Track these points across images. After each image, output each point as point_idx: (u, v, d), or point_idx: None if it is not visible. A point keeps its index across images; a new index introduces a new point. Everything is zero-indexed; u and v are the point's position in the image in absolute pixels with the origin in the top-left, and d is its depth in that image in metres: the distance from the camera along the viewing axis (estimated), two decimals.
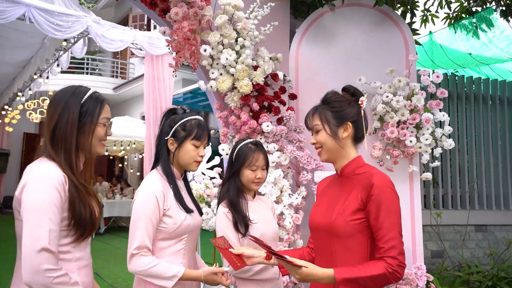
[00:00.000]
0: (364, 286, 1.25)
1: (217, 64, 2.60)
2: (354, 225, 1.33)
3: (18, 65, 6.97)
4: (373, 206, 1.30)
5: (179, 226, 1.51)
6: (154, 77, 5.76)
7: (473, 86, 4.46)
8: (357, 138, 1.48)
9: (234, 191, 1.74)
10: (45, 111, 7.55)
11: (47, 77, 6.59)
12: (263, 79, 2.70)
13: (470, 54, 3.99)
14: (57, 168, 1.27)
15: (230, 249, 1.52)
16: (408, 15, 3.45)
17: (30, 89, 7.00)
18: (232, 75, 2.60)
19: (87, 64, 11.71)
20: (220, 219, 1.71)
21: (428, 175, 2.84)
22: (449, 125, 2.84)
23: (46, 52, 5.64)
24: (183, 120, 1.60)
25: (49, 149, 1.31)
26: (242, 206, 1.71)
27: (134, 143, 8.59)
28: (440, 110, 2.85)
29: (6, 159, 10.35)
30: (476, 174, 4.39)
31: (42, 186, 1.21)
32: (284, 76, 2.95)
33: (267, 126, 2.66)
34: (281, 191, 2.69)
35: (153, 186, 1.50)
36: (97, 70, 12.18)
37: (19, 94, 7.52)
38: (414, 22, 3.39)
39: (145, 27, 11.56)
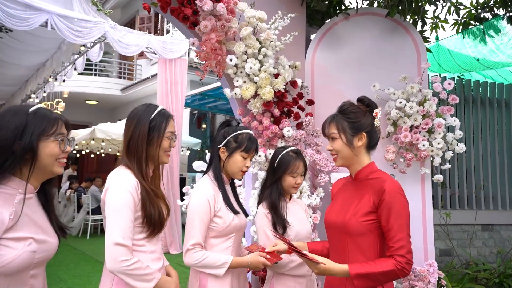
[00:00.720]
0: (375, 280, 1.38)
1: (241, 72, 2.75)
2: (365, 225, 1.45)
3: (32, 68, 7.13)
4: (385, 209, 1.42)
5: (228, 226, 1.68)
6: (167, 80, 5.92)
7: (480, 89, 4.60)
8: (371, 146, 1.58)
9: (276, 196, 1.90)
10: (59, 112, 7.71)
11: (64, 80, 6.76)
12: (284, 86, 2.85)
13: (478, 59, 4.14)
14: (131, 175, 1.47)
15: (264, 251, 1.68)
16: (419, 23, 3.59)
17: (44, 91, 7.17)
18: (255, 82, 2.75)
19: (95, 65, 11.87)
20: (260, 219, 1.88)
21: (440, 177, 2.99)
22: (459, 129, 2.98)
23: (63, 56, 5.81)
24: (236, 133, 1.78)
25: (125, 159, 1.51)
26: (282, 209, 1.87)
27: None
28: (451, 116, 2.99)
29: None
30: (482, 176, 4.53)
31: (119, 190, 1.41)
32: (302, 82, 3.10)
33: (288, 131, 2.81)
34: (301, 192, 2.85)
35: (205, 191, 1.68)
36: (103, 72, 12.34)
37: (32, 95, 7.69)
38: (425, 30, 3.52)
39: (156, 30, 11.71)
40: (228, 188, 1.80)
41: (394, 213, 1.40)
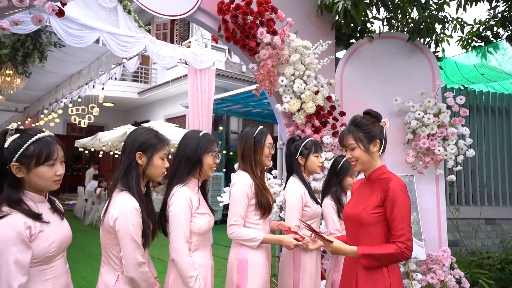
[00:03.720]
0: (378, 260, 1.62)
1: (288, 90, 3.30)
2: (374, 217, 1.68)
3: (66, 75, 7.67)
4: (389, 204, 1.64)
5: (314, 213, 2.28)
6: (197, 88, 6.46)
7: (483, 98, 5.16)
8: (382, 150, 1.81)
9: (340, 192, 2.50)
10: (93, 117, 8.20)
11: (102, 88, 7.31)
12: (323, 101, 3.41)
13: (483, 74, 4.70)
14: (248, 176, 2.06)
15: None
16: (433, 45, 4.14)
17: (79, 97, 7.70)
18: (300, 98, 3.30)
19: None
20: (328, 208, 2.46)
21: (453, 178, 3.55)
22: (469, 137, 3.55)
23: (103, 66, 6.36)
24: (303, 143, 2.34)
25: (241, 165, 2.10)
26: (344, 202, 2.45)
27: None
28: (462, 126, 3.55)
29: None
30: (486, 175, 5.09)
31: (238, 187, 2.03)
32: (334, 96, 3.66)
33: (327, 138, 3.37)
34: None
35: (298, 188, 2.25)
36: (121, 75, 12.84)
37: (64, 100, 8.21)
38: (438, 51, 4.08)
39: (173, 37, 12.23)
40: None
41: (397, 207, 1.62)
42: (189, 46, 7.95)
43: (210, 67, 6.49)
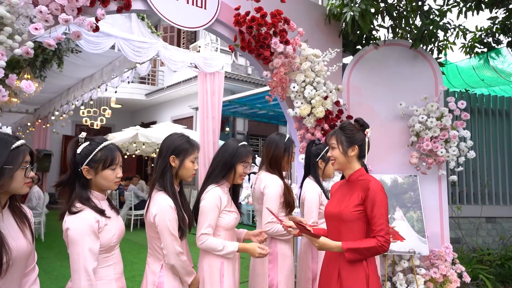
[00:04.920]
0: (361, 253, 1.77)
1: (299, 96, 3.51)
2: (355, 214, 1.83)
3: (78, 78, 7.90)
4: (369, 203, 1.79)
5: (324, 211, 2.47)
6: (207, 91, 6.68)
7: (484, 101, 5.36)
8: (361, 156, 1.95)
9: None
10: (105, 119, 8.45)
11: (115, 91, 7.55)
12: (331, 106, 3.61)
13: (483, 80, 4.90)
14: (278, 178, 2.32)
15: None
16: (436, 51, 4.34)
17: (91, 99, 7.94)
18: (310, 103, 3.51)
19: None
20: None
21: (455, 178, 3.75)
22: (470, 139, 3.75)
23: (117, 70, 6.60)
24: (326, 148, 2.53)
25: (269, 169, 2.34)
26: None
27: None
28: (464, 129, 3.75)
29: (49, 159, 11.28)
30: (487, 175, 5.29)
31: (274, 188, 2.27)
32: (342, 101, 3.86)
33: None
34: None
35: (316, 188, 2.49)
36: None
37: (76, 102, 8.46)
38: (441, 58, 4.27)
39: (179, 39, 12.45)
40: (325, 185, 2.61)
41: (377, 205, 1.78)
42: (198, 51, 8.18)
43: (219, 70, 6.71)
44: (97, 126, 9.14)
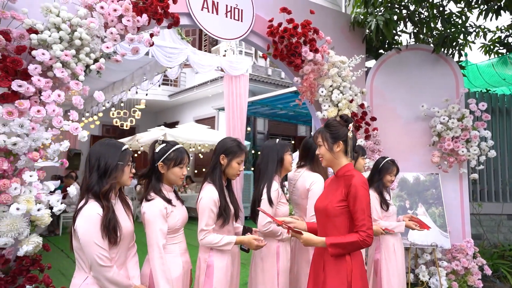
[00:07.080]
0: (344, 248, 1.78)
1: (327, 99, 3.76)
2: (339, 209, 1.83)
3: (109, 82, 8.33)
4: (351, 198, 1.80)
5: None
6: (232, 93, 6.99)
7: (505, 101, 5.47)
8: (347, 151, 1.93)
9: (382, 187, 2.95)
10: (134, 120, 8.88)
11: (146, 94, 7.95)
12: (357, 108, 3.85)
13: (504, 79, 5.02)
14: (321, 176, 2.53)
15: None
16: (456, 54, 4.51)
17: (122, 101, 8.37)
18: (337, 106, 3.76)
19: None
20: (372, 200, 2.90)
21: (476, 176, 3.94)
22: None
23: (148, 74, 6.98)
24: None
25: (310, 168, 2.59)
26: (385, 195, 2.91)
27: (199, 146, 9.89)
28: (484, 129, 3.92)
29: (79, 158, 11.85)
30: (508, 173, 5.41)
31: (320, 184, 2.43)
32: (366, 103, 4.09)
33: (361, 141, 3.82)
34: None
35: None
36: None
37: (107, 104, 8.91)
38: (462, 61, 4.44)
39: (201, 41, 12.82)
40: None
41: (358, 200, 1.78)
42: (224, 55, 8.51)
43: (244, 73, 7.01)
44: (126, 127, 9.59)
